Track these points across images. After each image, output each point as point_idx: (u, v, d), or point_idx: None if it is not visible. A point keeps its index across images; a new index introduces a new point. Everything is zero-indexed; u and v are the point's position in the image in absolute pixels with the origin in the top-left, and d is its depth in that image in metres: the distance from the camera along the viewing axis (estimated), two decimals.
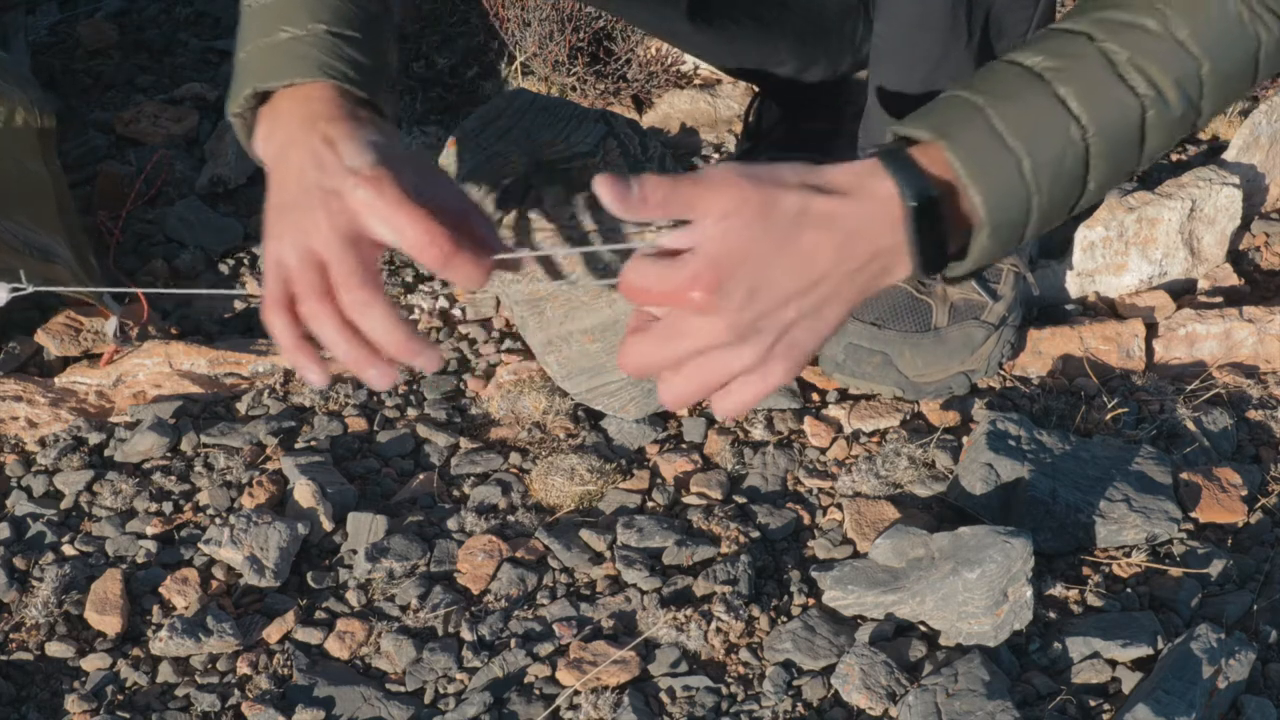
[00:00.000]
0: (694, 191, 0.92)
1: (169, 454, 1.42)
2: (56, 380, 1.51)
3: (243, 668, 1.19)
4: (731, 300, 0.90)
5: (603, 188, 0.90)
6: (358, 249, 1.00)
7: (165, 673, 1.19)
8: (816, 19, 1.53)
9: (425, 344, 1.01)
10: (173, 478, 1.39)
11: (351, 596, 1.26)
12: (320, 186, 1.01)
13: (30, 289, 1.40)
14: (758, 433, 1.43)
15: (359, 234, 0.99)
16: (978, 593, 1.16)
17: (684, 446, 1.42)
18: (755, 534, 1.30)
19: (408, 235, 0.97)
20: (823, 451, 1.41)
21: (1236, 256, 1.69)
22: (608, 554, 1.29)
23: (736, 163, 0.94)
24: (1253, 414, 1.46)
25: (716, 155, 1.97)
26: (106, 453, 1.43)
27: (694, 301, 0.90)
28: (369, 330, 1.00)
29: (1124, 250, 1.60)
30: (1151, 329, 1.54)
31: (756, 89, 1.82)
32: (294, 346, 1.01)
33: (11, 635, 1.23)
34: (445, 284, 1.70)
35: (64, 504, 1.37)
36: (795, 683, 1.16)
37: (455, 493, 1.38)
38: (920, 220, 0.93)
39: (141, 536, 1.32)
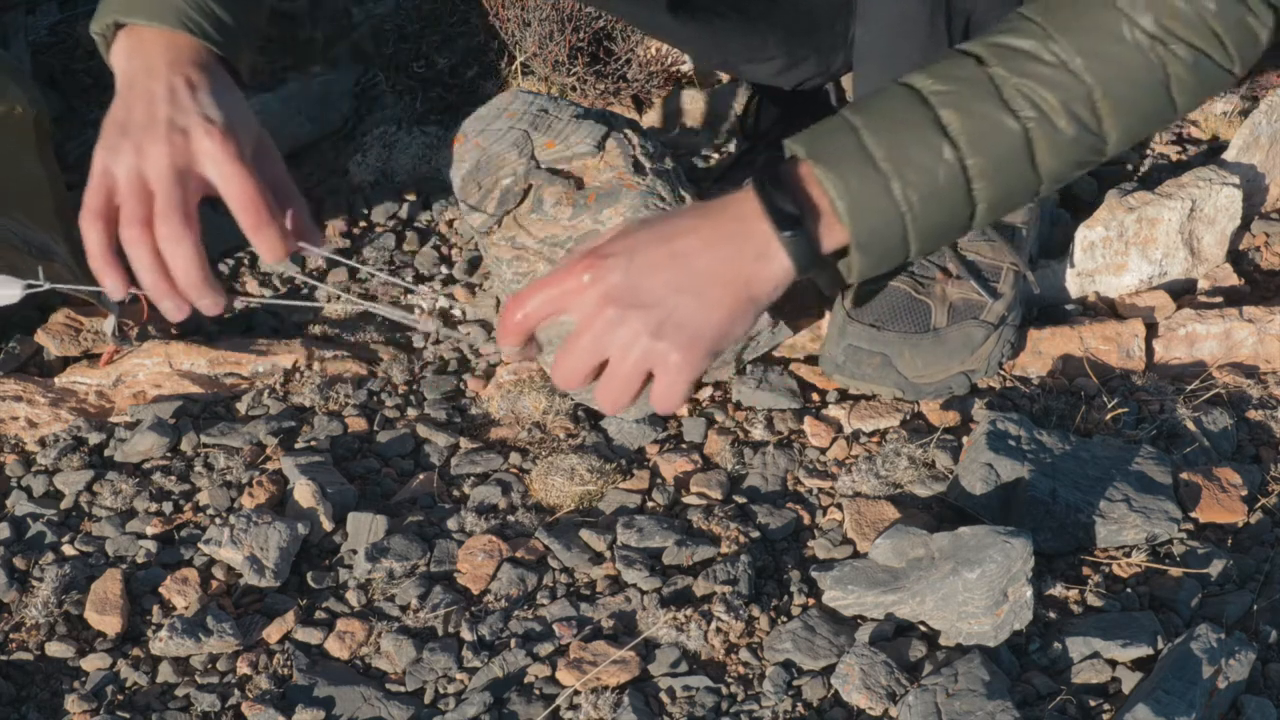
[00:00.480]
0: (559, 271, 1.00)
1: (169, 454, 1.42)
2: (56, 380, 1.51)
3: (243, 668, 1.19)
4: (611, 271, 0.98)
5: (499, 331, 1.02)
6: (184, 187, 1.09)
7: (165, 673, 1.19)
8: (805, 15, 1.52)
9: (216, 290, 1.12)
10: (173, 478, 1.39)
11: (351, 596, 1.26)
12: (170, 121, 1.08)
13: (46, 286, 1.41)
14: (758, 433, 1.43)
15: (190, 174, 1.09)
16: (978, 593, 1.16)
17: (684, 446, 1.42)
18: (755, 534, 1.30)
19: (234, 190, 1.08)
20: (823, 451, 1.41)
21: (1236, 256, 1.68)
22: (608, 554, 1.29)
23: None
24: (1253, 414, 1.46)
25: (716, 155, 1.97)
26: (106, 453, 1.43)
27: (580, 283, 0.99)
28: (173, 263, 1.10)
29: (1124, 250, 1.60)
30: (1151, 329, 1.54)
31: (753, 90, 1.82)
32: (102, 256, 1.08)
33: (11, 635, 1.23)
34: (445, 284, 1.70)
35: (64, 504, 1.37)
36: (795, 683, 1.16)
37: (455, 493, 1.38)
38: (783, 221, 0.99)
39: (141, 536, 1.32)
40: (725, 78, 2.09)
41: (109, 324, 1.52)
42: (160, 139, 1.09)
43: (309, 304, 1.62)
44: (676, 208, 1.04)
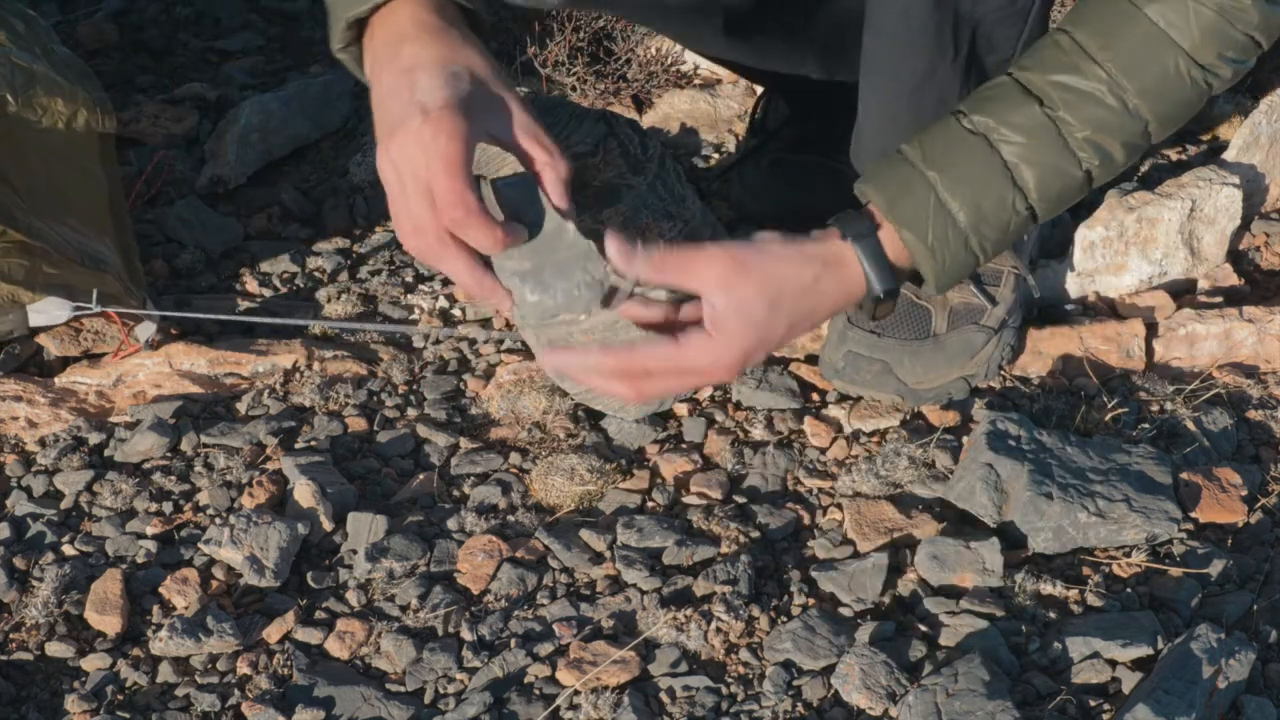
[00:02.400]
0: (691, 258, 1.09)
1: (169, 454, 1.42)
2: (56, 380, 1.51)
3: (243, 668, 1.19)
4: (746, 363, 1.11)
5: (611, 244, 1.07)
6: (421, 193, 1.06)
7: (165, 673, 1.19)
8: (840, 30, 1.53)
9: (493, 291, 1.13)
10: (173, 478, 1.39)
11: (351, 596, 1.26)
12: (391, 122, 1.07)
13: (96, 310, 1.43)
14: (758, 433, 1.43)
15: (426, 179, 1.06)
16: None
17: (684, 446, 1.42)
18: (755, 534, 1.30)
19: (439, 187, 1.04)
20: (823, 451, 1.41)
21: (1236, 256, 1.68)
22: (608, 554, 1.29)
23: (728, 240, 1.15)
24: (1253, 414, 1.46)
25: (716, 155, 1.97)
26: (106, 453, 1.43)
27: (723, 375, 1.11)
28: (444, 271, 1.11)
29: (1124, 250, 1.60)
30: (1151, 329, 1.54)
31: (761, 88, 1.82)
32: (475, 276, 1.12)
33: (11, 635, 1.23)
34: (445, 284, 1.70)
35: (64, 504, 1.37)
36: (795, 683, 1.16)
37: (455, 493, 1.38)
38: (882, 299, 1.14)
39: (141, 536, 1.32)
40: (725, 78, 2.09)
41: (145, 329, 1.52)
42: (392, 143, 1.07)
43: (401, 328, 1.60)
44: (774, 258, 1.12)
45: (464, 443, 1.44)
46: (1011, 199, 1.11)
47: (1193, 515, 1.32)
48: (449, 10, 1.10)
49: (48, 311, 1.46)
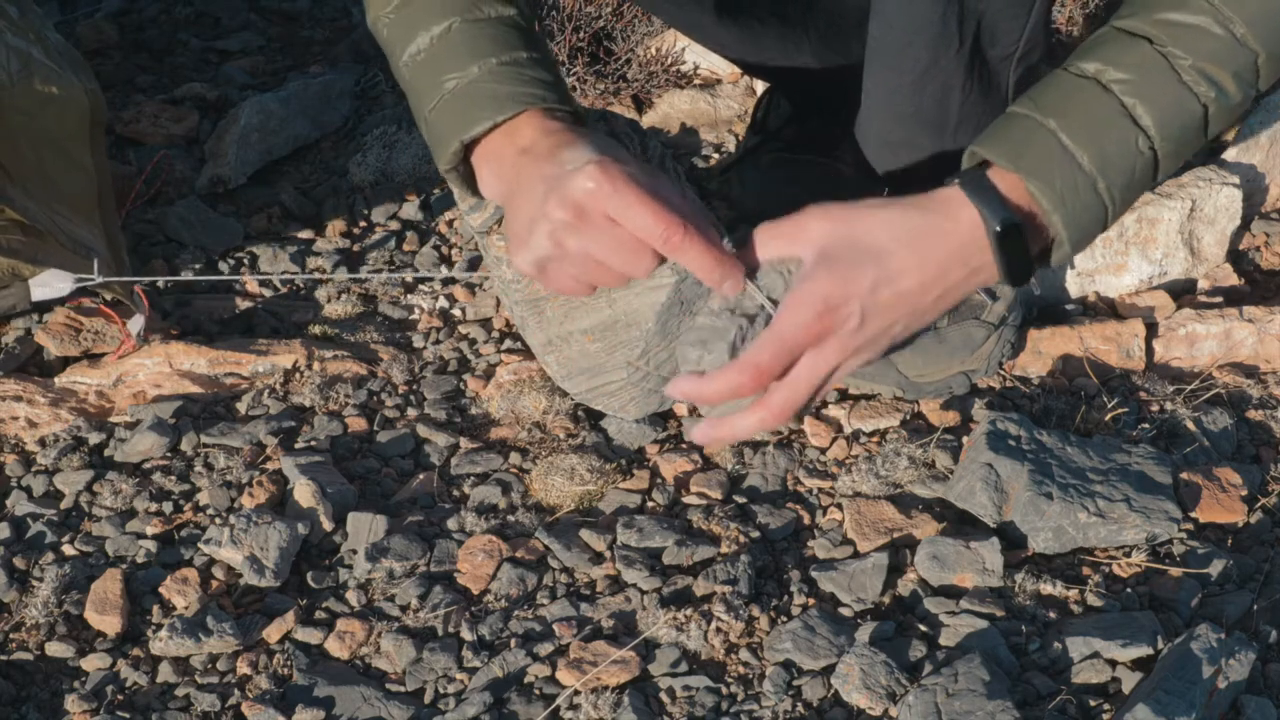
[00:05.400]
0: (792, 225, 1.05)
1: (169, 454, 1.42)
2: (56, 380, 1.51)
3: (243, 668, 1.19)
4: (847, 322, 1.03)
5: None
6: (609, 226, 1.04)
7: (165, 673, 1.19)
8: (838, 20, 1.53)
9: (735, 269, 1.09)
10: (173, 478, 1.39)
11: (351, 596, 1.26)
12: (555, 187, 1.04)
13: (98, 280, 1.41)
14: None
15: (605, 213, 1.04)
16: None
17: (684, 446, 1.42)
18: (755, 534, 1.30)
19: (634, 213, 1.02)
20: (823, 451, 1.41)
21: (1236, 256, 1.68)
22: (608, 554, 1.29)
23: (826, 204, 1.08)
24: (1253, 414, 1.46)
25: (716, 155, 1.97)
26: (106, 453, 1.43)
27: (816, 335, 1.03)
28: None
29: (1124, 250, 1.60)
30: (1151, 329, 1.54)
31: (766, 86, 1.82)
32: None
33: (11, 635, 1.23)
34: (445, 284, 1.70)
35: (64, 504, 1.37)
36: (795, 683, 1.16)
37: (455, 493, 1.38)
38: (1004, 241, 1.04)
39: (141, 536, 1.32)
40: (725, 78, 2.09)
41: (137, 323, 1.52)
42: (553, 207, 1.05)
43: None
44: (875, 209, 1.06)
45: (464, 443, 1.44)
46: (1135, 139, 1.06)
47: (1193, 515, 1.32)
48: (567, 119, 1.10)
49: (50, 284, 1.45)
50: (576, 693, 1.15)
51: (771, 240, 1.07)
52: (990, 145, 1.07)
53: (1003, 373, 1.49)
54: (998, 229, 1.04)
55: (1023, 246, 1.05)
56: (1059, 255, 1.07)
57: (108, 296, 1.55)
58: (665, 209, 1.02)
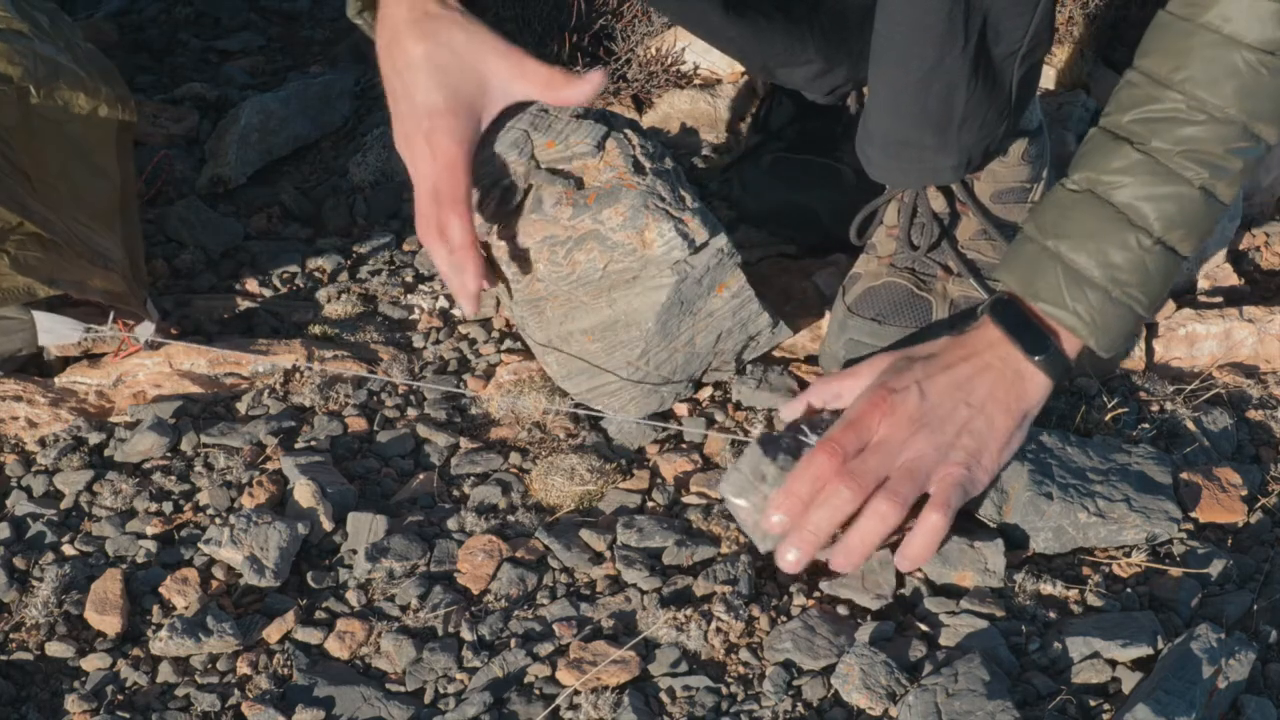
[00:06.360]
0: (847, 371, 1.23)
1: (169, 454, 1.42)
2: (56, 380, 1.51)
3: (243, 668, 1.19)
4: (908, 399, 1.18)
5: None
6: (429, 197, 1.30)
7: (165, 673, 1.19)
8: (841, 20, 1.53)
9: (474, 297, 1.34)
10: (173, 478, 1.39)
11: (351, 596, 1.26)
12: (403, 129, 1.30)
13: (109, 332, 1.44)
14: (758, 433, 1.43)
15: (432, 182, 1.30)
16: None
17: (684, 446, 1.42)
18: None
19: (443, 185, 1.30)
20: None
21: (1236, 256, 1.69)
22: (608, 554, 1.29)
23: (880, 358, 1.25)
24: (1253, 414, 1.46)
25: (716, 155, 1.97)
26: (106, 453, 1.43)
27: (881, 412, 1.19)
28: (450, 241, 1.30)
29: None
30: (1151, 329, 1.54)
31: (769, 86, 1.81)
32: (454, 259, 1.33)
33: (11, 635, 1.23)
34: (445, 284, 1.70)
35: (64, 504, 1.37)
36: (795, 683, 1.16)
37: (455, 493, 1.38)
38: (1045, 364, 1.19)
39: (141, 536, 1.32)
40: (725, 78, 2.09)
41: (145, 330, 1.52)
42: (405, 152, 1.31)
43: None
44: (927, 342, 1.23)
45: (464, 443, 1.44)
46: (1135, 239, 1.12)
47: (1193, 515, 1.32)
48: None
49: (56, 330, 1.46)
50: (576, 693, 1.15)
51: (826, 384, 1.25)
52: (1005, 272, 1.19)
53: None
54: (1029, 341, 1.18)
55: (1054, 350, 1.18)
56: (1096, 348, 1.18)
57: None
58: (463, 223, 1.29)
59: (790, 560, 1.19)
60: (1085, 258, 1.14)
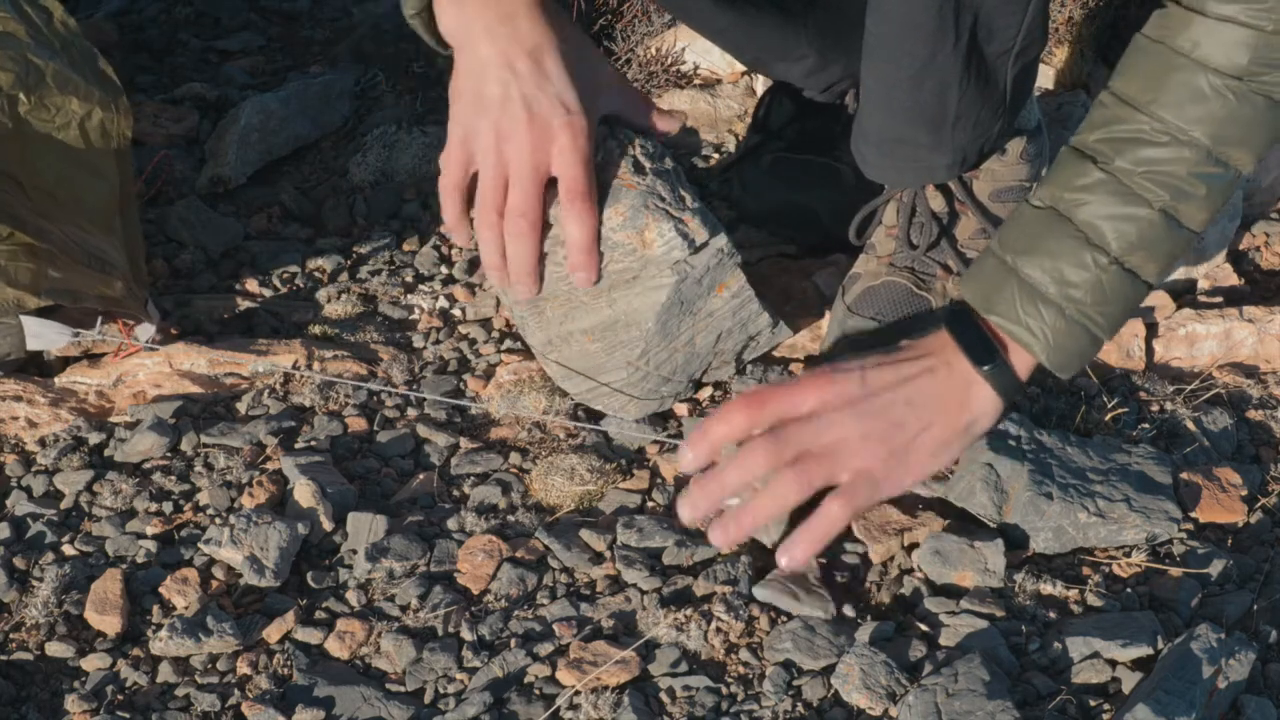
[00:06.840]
0: (794, 382, 1.16)
1: (169, 454, 1.42)
2: (56, 380, 1.51)
3: (243, 668, 1.19)
4: (848, 382, 1.15)
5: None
6: (537, 183, 1.26)
7: (165, 673, 1.19)
8: (837, 16, 1.53)
9: (537, 280, 1.32)
10: (173, 478, 1.39)
11: (351, 596, 1.26)
12: (529, 107, 1.23)
13: (96, 336, 1.45)
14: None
15: (547, 170, 1.25)
16: None
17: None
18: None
19: (571, 198, 1.28)
20: None
21: (1236, 256, 1.69)
22: (608, 554, 1.29)
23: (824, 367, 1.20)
24: (1253, 414, 1.46)
25: (716, 155, 1.97)
26: (106, 453, 1.43)
27: (818, 389, 1.15)
28: (511, 252, 1.28)
29: None
30: (1151, 329, 1.54)
31: (767, 85, 1.81)
32: (457, 224, 1.32)
33: (11, 635, 1.23)
34: (445, 283, 1.70)
35: (64, 504, 1.37)
36: (795, 683, 1.16)
37: (455, 493, 1.38)
38: (992, 376, 1.15)
39: (141, 536, 1.32)
40: (725, 78, 2.09)
41: (145, 331, 1.51)
42: (520, 129, 1.23)
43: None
44: (881, 348, 1.20)
45: (464, 443, 1.44)
46: (1091, 257, 1.12)
47: (1193, 515, 1.32)
48: None
49: (45, 335, 1.46)
50: (576, 693, 1.15)
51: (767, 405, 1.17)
52: (965, 285, 1.18)
53: None
54: (977, 350, 1.15)
55: (1003, 365, 1.15)
56: (1050, 368, 1.15)
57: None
58: (591, 209, 1.28)
59: (685, 518, 1.18)
60: (1041, 274, 1.12)
